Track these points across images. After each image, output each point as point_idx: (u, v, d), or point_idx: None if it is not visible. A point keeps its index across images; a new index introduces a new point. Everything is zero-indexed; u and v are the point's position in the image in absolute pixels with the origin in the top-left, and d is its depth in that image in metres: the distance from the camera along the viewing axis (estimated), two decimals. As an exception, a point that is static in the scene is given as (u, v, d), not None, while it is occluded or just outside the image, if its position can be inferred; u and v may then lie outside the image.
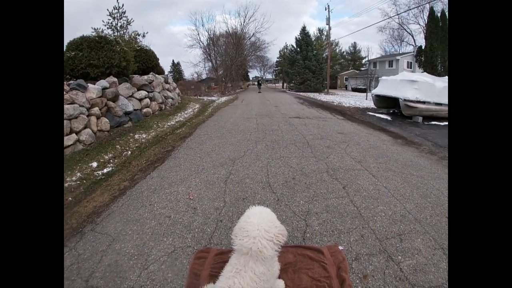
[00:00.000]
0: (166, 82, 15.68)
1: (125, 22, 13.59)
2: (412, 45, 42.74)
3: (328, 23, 25.40)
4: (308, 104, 15.37)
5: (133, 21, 13.67)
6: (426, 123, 9.09)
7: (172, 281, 2.07)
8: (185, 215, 3.02)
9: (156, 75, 13.70)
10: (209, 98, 25.96)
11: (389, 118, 10.18)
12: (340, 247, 2.42)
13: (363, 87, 35.85)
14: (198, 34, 34.93)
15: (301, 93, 27.90)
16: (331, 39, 30.99)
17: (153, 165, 4.73)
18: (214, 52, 37.08)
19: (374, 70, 33.19)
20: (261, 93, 26.76)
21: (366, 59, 44.37)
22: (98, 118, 6.37)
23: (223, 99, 23.04)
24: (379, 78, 12.69)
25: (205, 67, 38.08)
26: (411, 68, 32.24)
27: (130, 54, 10.50)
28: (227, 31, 36.17)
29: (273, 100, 17.87)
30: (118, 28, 13.49)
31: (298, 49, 31.77)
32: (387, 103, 11.13)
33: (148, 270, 2.17)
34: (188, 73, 42.37)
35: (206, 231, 2.71)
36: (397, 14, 39.18)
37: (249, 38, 36.44)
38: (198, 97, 26.27)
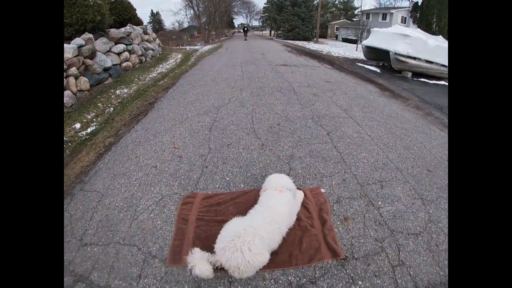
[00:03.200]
0: (145, 33, 14.53)
1: None
2: (409, 0, 41.13)
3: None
4: (296, 52, 14.71)
5: None
6: (415, 79, 9.01)
7: (161, 228, 2.08)
8: (170, 163, 2.96)
9: (134, 27, 12.67)
10: (192, 47, 24.47)
11: (378, 70, 9.98)
12: (322, 190, 2.43)
13: (354, 38, 34.64)
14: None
15: (289, 41, 26.61)
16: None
17: (136, 119, 4.53)
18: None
19: (367, 21, 31.76)
20: (247, 41, 25.24)
21: (359, 9, 42.08)
22: (76, 78, 5.97)
23: (207, 47, 21.73)
24: (371, 30, 12.12)
25: (186, 15, 35.24)
26: (405, 23, 31.05)
27: (105, 7, 9.59)
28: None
29: (260, 47, 16.96)
30: None
31: (288, -7, 29.40)
32: (377, 55, 10.77)
33: (138, 220, 2.18)
34: (169, 22, 39.03)
35: (192, 178, 2.68)
36: None
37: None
38: (180, 47, 24.69)
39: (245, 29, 30.31)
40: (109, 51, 8.60)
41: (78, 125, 4.57)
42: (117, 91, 6.77)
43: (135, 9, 15.59)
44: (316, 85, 6.09)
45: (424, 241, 1.95)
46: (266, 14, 51.99)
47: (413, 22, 22.05)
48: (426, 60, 9.02)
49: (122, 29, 10.71)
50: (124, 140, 3.72)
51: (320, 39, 29.51)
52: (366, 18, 36.31)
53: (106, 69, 7.67)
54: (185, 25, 41.57)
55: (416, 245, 1.91)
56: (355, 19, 53.52)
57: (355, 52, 17.86)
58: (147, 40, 13.86)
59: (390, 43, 9.28)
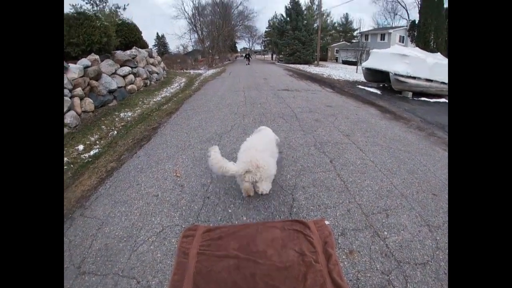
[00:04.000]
0: (150, 56, 15.02)
1: None
2: (406, 19, 42.29)
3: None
4: (297, 76, 15.05)
5: None
6: (415, 98, 9.04)
7: (161, 261, 2.05)
8: (172, 193, 2.96)
9: (140, 50, 13.10)
10: (196, 71, 25.15)
11: (378, 92, 10.10)
12: (326, 222, 2.39)
13: (354, 60, 35.42)
14: (183, 3, 33.04)
15: (290, 65, 27.32)
16: (324, 7, 29.92)
17: (139, 144, 4.57)
18: (200, 23, 35.43)
19: (366, 43, 32.62)
20: (249, 65, 25.97)
21: (358, 31, 43.34)
22: (81, 99, 6.05)
23: (210, 72, 22.35)
24: (370, 51, 12.43)
25: (190, 39, 36.55)
26: (403, 42, 31.82)
27: (111, 29, 9.99)
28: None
29: (262, 72, 17.41)
30: (97, 1, 12.52)
31: (288, 18, 30.59)
32: (377, 76, 10.95)
33: (138, 251, 2.15)
34: (174, 46, 40.53)
35: (193, 209, 2.67)
36: None
37: (237, 7, 34.80)
38: (185, 70, 25.39)
39: (247, 55, 31.14)
40: (115, 73, 8.74)
41: (81, 147, 4.60)
42: (121, 114, 6.83)
43: (141, 32, 16.10)
44: (318, 110, 6.18)
45: (432, 270, 1.89)
46: (268, 38, 53.72)
47: (411, 41, 22.52)
48: (426, 79, 9.08)
49: (128, 52, 11.02)
50: (127, 165, 3.74)
51: (320, 62, 30.25)
52: (365, 39, 37.25)
53: (111, 91, 7.75)
54: (190, 49, 42.87)
55: (424, 275, 1.85)
56: (354, 41, 55.04)
57: (355, 74, 18.18)
58: (152, 64, 14.26)
59: (390, 64, 9.40)
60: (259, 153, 2.52)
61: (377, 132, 4.80)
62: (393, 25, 40.21)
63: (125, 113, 6.96)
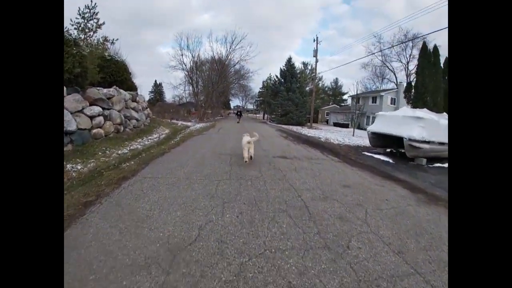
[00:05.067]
0: (134, 100, 13.57)
1: (95, 24, 11.49)
2: (394, 82, 44.12)
3: (315, 55, 24.79)
4: (293, 139, 13.57)
5: (104, 24, 11.64)
6: (430, 165, 7.86)
7: None
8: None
9: (121, 90, 11.64)
10: (185, 123, 23.86)
11: (390, 160, 8.52)
12: None
13: (345, 122, 35.40)
14: (182, 55, 33.44)
15: (283, 126, 26.49)
16: (320, 69, 30.50)
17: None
18: (196, 76, 35.64)
19: (363, 105, 32.90)
20: (240, 123, 24.86)
21: (348, 94, 44.71)
22: None
23: (199, 125, 20.98)
24: (376, 114, 11.28)
25: (185, 91, 36.34)
26: (394, 104, 32.25)
27: (92, 61, 8.74)
28: (212, 56, 35.12)
29: (254, 132, 16.01)
30: (86, 30, 11.44)
31: (283, 80, 30.97)
32: (385, 141, 9.77)
33: None
34: (170, 95, 40.54)
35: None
36: (380, 51, 40.71)
37: (234, 66, 35.52)
38: (174, 120, 24.19)
39: (239, 113, 30.55)
40: (81, 111, 7.45)
41: None
42: (68, 165, 5.19)
43: (130, 73, 15.02)
44: (335, 195, 4.23)
45: None
46: (261, 98, 54.93)
47: (408, 102, 22.22)
48: (439, 142, 7.99)
49: (105, 90, 9.58)
50: None
51: (313, 124, 29.71)
52: (357, 102, 37.83)
53: (68, 133, 6.48)
54: (185, 100, 42.67)
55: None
56: (343, 104, 56.84)
57: (352, 138, 17.07)
58: (133, 108, 12.70)
59: (402, 128, 8.23)
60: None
61: (431, 234, 2.98)
62: (382, 88, 41.55)
63: (74, 165, 5.31)
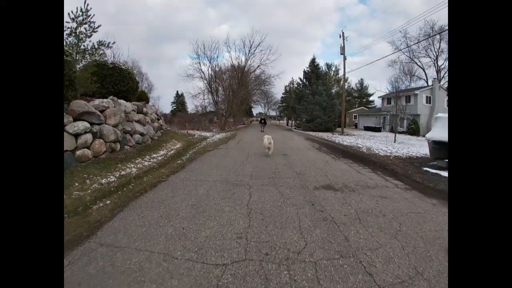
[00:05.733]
0: (140, 111, 11.85)
1: (89, 28, 9.89)
2: (424, 79, 40.70)
3: (342, 53, 22.09)
4: (328, 150, 11.05)
5: (100, 26, 9.96)
6: None
7: None
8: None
9: (120, 101, 9.95)
10: (204, 133, 22.10)
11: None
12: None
13: (377, 126, 32.01)
14: (199, 63, 31.95)
15: (310, 133, 23.89)
16: (342, 72, 27.67)
17: None
18: (216, 84, 34.08)
19: (406, 105, 29.87)
20: (264, 133, 22.46)
21: (377, 95, 41.02)
22: None
23: (218, 136, 19.04)
24: (435, 116, 8.61)
25: (204, 99, 34.85)
26: (430, 103, 28.53)
27: (85, 68, 7.15)
28: (231, 63, 33.43)
29: (279, 142, 13.62)
30: (80, 35, 9.92)
31: (307, 82, 28.34)
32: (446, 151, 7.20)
33: None
34: (193, 105, 39.45)
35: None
36: (407, 46, 37.24)
37: (254, 71, 33.55)
38: (193, 131, 22.57)
39: (262, 120, 26.61)
40: None
41: None
42: None
43: (138, 82, 13.54)
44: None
45: None
46: (284, 103, 52.44)
47: None
48: None
49: (96, 102, 7.97)
50: None
51: (340, 129, 26.72)
52: (387, 103, 34.26)
53: None
54: (207, 109, 41.31)
55: None
56: (370, 106, 52.99)
57: (396, 145, 14.29)
58: (138, 121, 10.95)
59: None
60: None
61: None
62: (412, 86, 38.14)
63: None
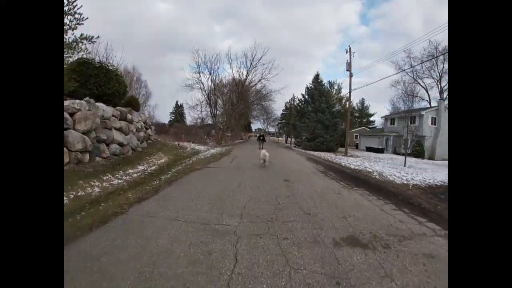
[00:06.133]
0: (124, 118, 10.50)
1: (73, 19, 8.59)
2: (426, 100, 39.88)
3: (349, 69, 20.93)
4: (336, 175, 9.53)
5: (87, 19, 8.66)
6: None
7: None
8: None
9: (98, 104, 8.77)
10: (198, 146, 20.66)
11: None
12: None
13: (379, 147, 30.64)
14: (199, 73, 30.87)
15: (311, 152, 22.42)
16: (344, 91, 26.63)
17: None
18: (215, 97, 32.92)
19: (415, 126, 28.68)
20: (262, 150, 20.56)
21: (379, 115, 40.06)
22: None
23: (213, 151, 17.54)
24: None
25: (201, 111, 33.55)
26: (435, 124, 27.31)
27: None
28: (233, 76, 32.40)
29: (279, 163, 12.09)
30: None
31: (310, 99, 27.12)
32: None
33: None
34: (192, 116, 38.04)
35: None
36: (411, 67, 36.76)
37: (255, 85, 32.51)
38: (185, 143, 21.22)
39: (261, 137, 22.82)
40: None
41: None
42: None
43: (126, 86, 12.50)
44: None
45: None
46: (284, 121, 51.25)
47: None
48: None
49: (67, 102, 7.10)
50: None
51: (341, 149, 25.27)
52: (391, 124, 33.00)
53: None
54: (206, 121, 39.93)
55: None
56: (371, 126, 51.88)
57: (407, 169, 12.86)
58: (118, 129, 9.60)
59: None
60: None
61: None
62: (414, 108, 37.66)
63: None
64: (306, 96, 28.10)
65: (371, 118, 60.29)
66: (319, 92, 26.11)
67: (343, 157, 19.08)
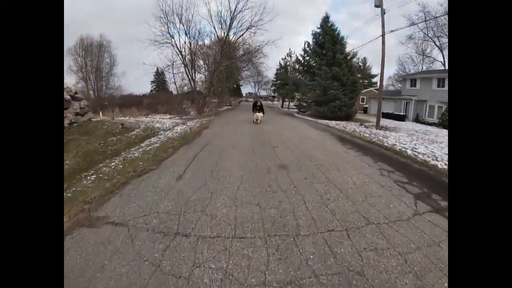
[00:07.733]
0: None
1: None
2: (440, 61, 35.41)
3: (379, 3, 13.79)
4: (392, 169, 3.26)
5: None
6: None
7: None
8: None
9: None
10: (167, 121, 14.15)
11: None
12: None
13: (400, 114, 24.41)
14: (167, 23, 23.15)
15: (324, 121, 15.94)
16: (346, 49, 19.40)
17: None
18: (194, 55, 25.38)
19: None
20: (260, 125, 12.54)
21: (378, 77, 33.62)
22: None
23: (177, 129, 10.98)
24: None
25: (174, 74, 26.24)
26: None
27: None
28: (215, 32, 24.64)
29: (288, 150, 5.74)
30: None
31: (319, 49, 19.85)
32: None
33: None
34: (178, 83, 30.53)
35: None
36: (425, 20, 31.36)
37: (243, 35, 24.83)
38: (154, 117, 14.94)
39: (258, 105, 14.12)
40: None
41: None
42: None
43: None
44: None
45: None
46: (278, 81, 43.68)
47: None
48: None
49: None
50: None
51: (360, 116, 18.77)
52: (411, 85, 26.50)
53: None
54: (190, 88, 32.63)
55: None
56: (376, 88, 45.11)
57: None
58: None
59: None
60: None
61: None
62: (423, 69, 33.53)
63: None
64: (313, 45, 20.68)
65: (374, 80, 53.29)
66: (331, 38, 18.77)
67: (373, 129, 12.72)
